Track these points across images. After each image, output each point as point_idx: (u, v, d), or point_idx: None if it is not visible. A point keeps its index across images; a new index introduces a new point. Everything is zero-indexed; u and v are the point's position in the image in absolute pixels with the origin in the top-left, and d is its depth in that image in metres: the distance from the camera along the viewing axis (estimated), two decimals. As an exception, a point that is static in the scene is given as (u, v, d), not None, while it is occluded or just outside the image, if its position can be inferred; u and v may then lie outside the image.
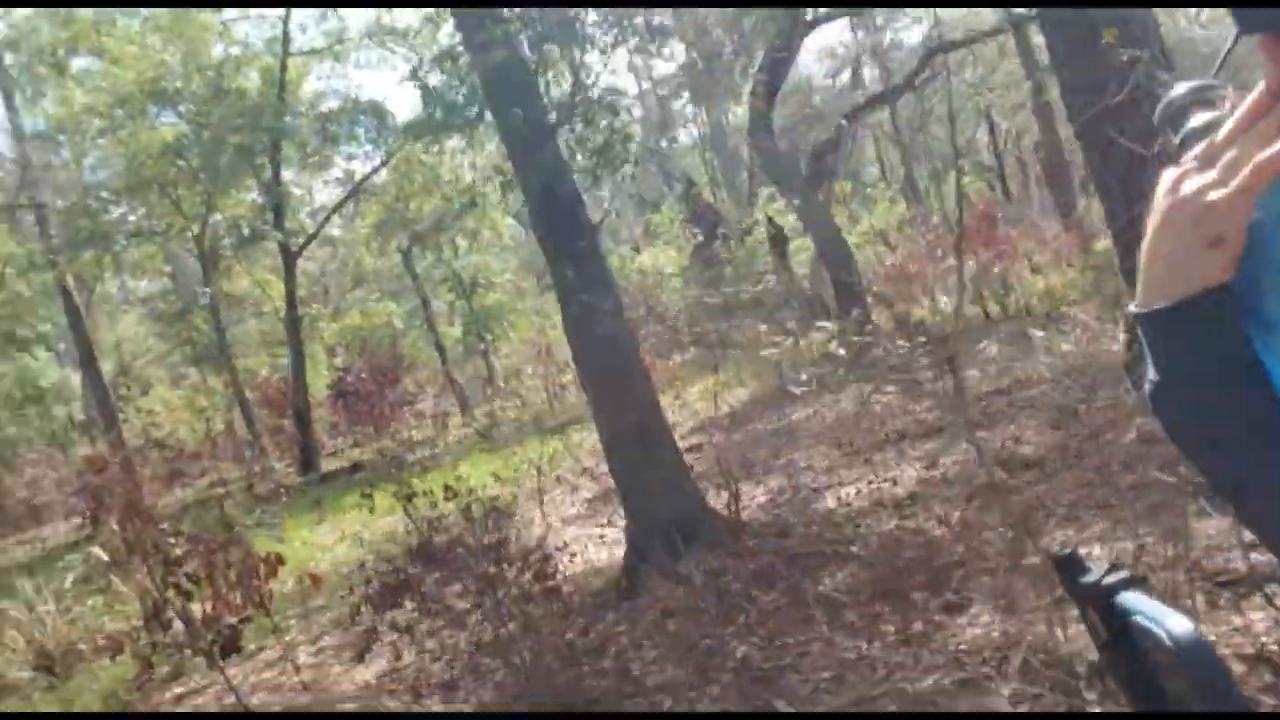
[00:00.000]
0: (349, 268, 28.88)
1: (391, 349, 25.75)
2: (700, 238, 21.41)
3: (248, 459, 22.45)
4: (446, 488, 4.47)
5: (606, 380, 6.05)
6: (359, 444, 24.17)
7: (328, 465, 20.43)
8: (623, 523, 8.23)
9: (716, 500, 6.20)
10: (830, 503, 6.74)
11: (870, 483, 6.99)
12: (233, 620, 6.18)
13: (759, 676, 4.18)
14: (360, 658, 4.45)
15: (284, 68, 19.89)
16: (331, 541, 11.58)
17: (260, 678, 6.83)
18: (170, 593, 5.71)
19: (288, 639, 7.27)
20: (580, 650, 4.93)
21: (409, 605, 4.29)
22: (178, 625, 8.59)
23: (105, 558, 8.96)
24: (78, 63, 22.11)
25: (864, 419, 9.64)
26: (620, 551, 6.47)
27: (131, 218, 22.38)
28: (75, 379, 37.16)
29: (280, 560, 6.10)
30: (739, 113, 39.49)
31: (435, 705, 5.08)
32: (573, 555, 6.49)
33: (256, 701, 6.20)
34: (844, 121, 17.28)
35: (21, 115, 23.76)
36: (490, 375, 29.22)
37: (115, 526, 6.78)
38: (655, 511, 5.58)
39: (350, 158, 22.35)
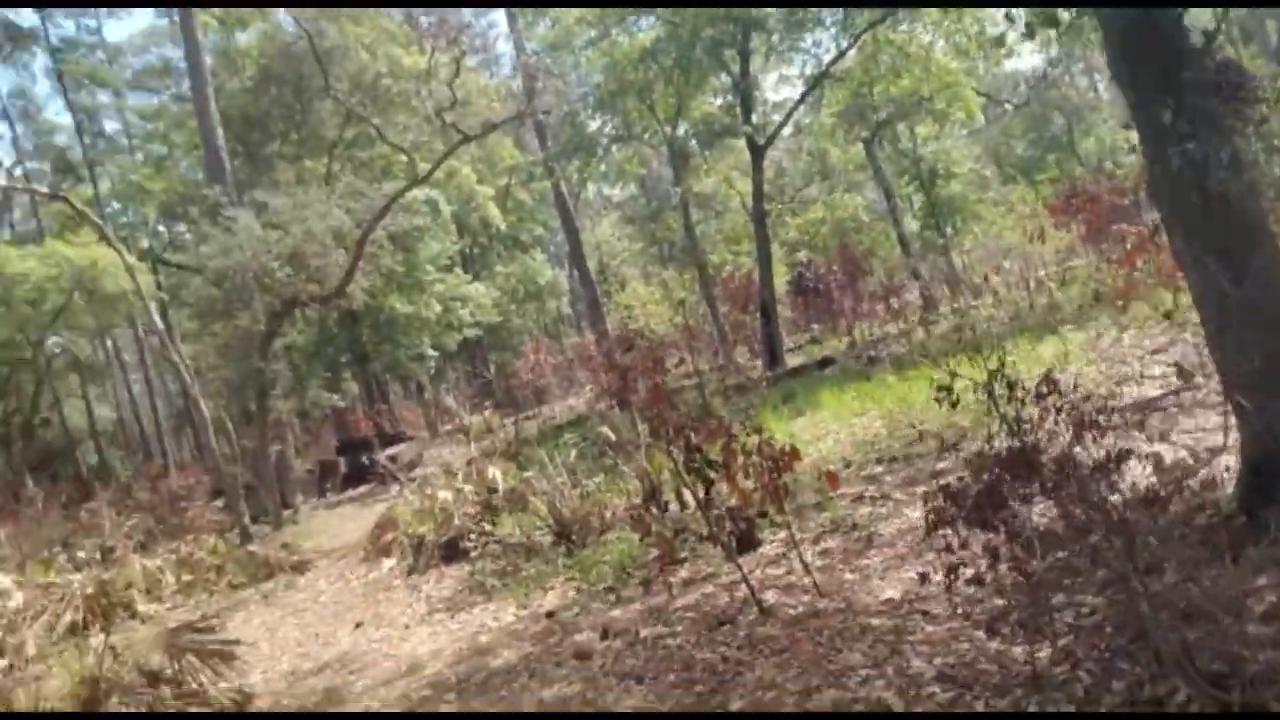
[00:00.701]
0: (812, 161, 28.45)
1: (852, 243, 24.99)
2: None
3: (715, 351, 23.39)
4: (1045, 380, 3.50)
5: (1219, 251, 4.56)
6: (817, 340, 24.03)
7: (789, 360, 20.44)
8: (1188, 435, 6.66)
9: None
10: None
11: None
12: (749, 513, 5.88)
13: None
14: (952, 573, 3.70)
15: (753, -46, 19.46)
16: (810, 437, 11.19)
17: (766, 573, 6.52)
18: (691, 477, 5.49)
19: (783, 535, 6.91)
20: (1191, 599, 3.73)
21: (993, 523, 3.43)
22: (673, 509, 8.80)
23: (611, 437, 9.42)
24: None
25: None
26: (1218, 473, 5.02)
27: (609, 128, 23.90)
28: (562, 277, 42.17)
29: (796, 455, 5.61)
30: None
31: (994, 644, 4.25)
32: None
33: (770, 599, 5.89)
34: None
35: (524, 36, 26.52)
36: (951, 270, 27.29)
37: (641, 406, 6.81)
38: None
39: (816, 44, 21.49)
